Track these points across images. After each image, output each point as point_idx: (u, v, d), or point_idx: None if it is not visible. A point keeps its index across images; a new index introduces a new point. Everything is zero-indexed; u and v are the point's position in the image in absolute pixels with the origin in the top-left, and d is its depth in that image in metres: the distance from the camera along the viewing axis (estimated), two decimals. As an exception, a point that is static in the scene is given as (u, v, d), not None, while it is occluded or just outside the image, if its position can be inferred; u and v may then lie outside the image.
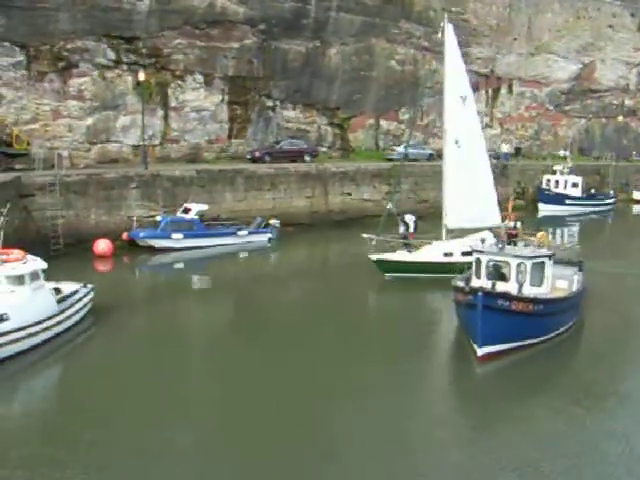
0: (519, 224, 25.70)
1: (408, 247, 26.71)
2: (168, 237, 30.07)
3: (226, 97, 39.76)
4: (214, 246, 31.03)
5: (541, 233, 26.50)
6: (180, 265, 29.15)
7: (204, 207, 31.72)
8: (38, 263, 18.00)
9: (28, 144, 32.20)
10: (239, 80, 39.81)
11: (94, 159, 35.25)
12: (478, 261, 18.79)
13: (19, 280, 17.05)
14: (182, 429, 12.94)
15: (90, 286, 20.17)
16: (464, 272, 19.69)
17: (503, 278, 18.14)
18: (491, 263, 18.50)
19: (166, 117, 37.81)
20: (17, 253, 17.81)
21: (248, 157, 39.46)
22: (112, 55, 35.37)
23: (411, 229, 28.55)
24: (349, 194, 39.35)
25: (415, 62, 47.46)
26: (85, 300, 19.63)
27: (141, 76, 34.27)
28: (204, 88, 38.84)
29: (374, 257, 25.10)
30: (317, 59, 42.61)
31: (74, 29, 33.77)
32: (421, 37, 47.17)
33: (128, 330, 19.49)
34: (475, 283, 18.25)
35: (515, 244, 25.35)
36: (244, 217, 33.72)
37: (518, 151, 52.74)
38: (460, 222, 26.03)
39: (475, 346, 16.74)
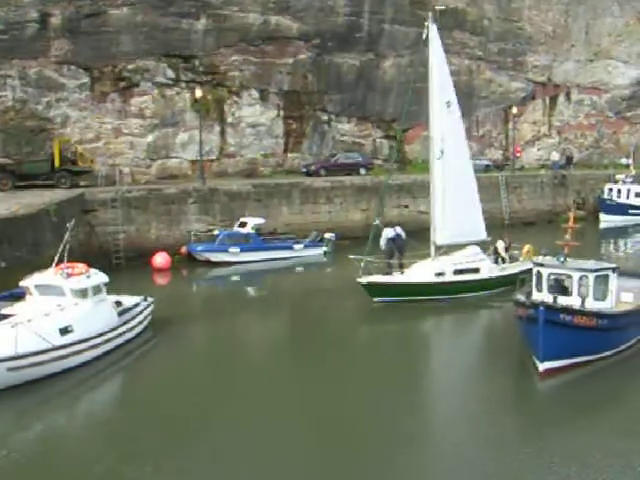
0: (506, 241, 26.30)
1: (397, 267, 24.36)
2: (225, 251, 30.49)
3: (281, 112, 40.23)
4: (270, 260, 31.27)
5: (527, 246, 26.27)
6: (236, 278, 29.50)
7: (260, 221, 32.07)
8: (101, 277, 18.51)
9: (92, 161, 33.34)
10: (294, 95, 40.25)
11: (154, 175, 36.17)
12: (539, 274, 18.27)
13: (83, 293, 17.56)
14: (234, 443, 12.98)
15: (150, 299, 20.58)
16: (518, 285, 19.13)
17: (565, 292, 17.63)
18: (552, 276, 17.97)
19: (223, 133, 38.51)
20: (81, 267, 18.34)
21: (304, 171, 39.76)
22: (171, 74, 36.33)
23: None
24: (406, 206, 39.13)
25: (469, 72, 47.05)
26: (145, 313, 20.02)
27: (198, 93, 35.04)
28: (260, 103, 39.41)
29: (364, 280, 22.56)
30: (371, 72, 42.72)
31: (135, 50, 34.89)
32: (475, 47, 46.79)
33: (186, 343, 19.72)
34: (536, 297, 17.77)
35: (503, 259, 25.31)
36: (300, 231, 33.91)
37: (569, 160, 51.24)
38: (449, 238, 24.23)
39: (536, 361, 16.35)
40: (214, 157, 38.16)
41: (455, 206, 23.96)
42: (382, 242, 24.97)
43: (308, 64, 40.09)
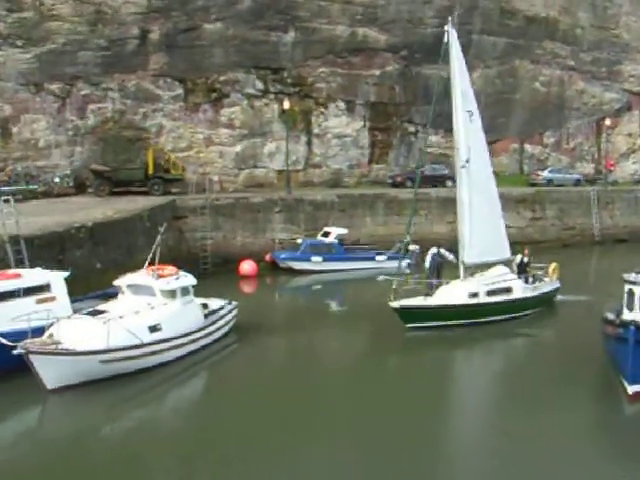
0: (532, 258, 24.49)
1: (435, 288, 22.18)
2: (308, 260, 30.83)
3: (368, 123, 40.46)
4: (352, 270, 31.33)
5: (554, 264, 24.78)
6: (318, 287, 29.69)
7: (344, 231, 32.25)
8: (189, 279, 19.15)
9: (183, 170, 34.63)
10: (380, 106, 40.41)
11: (242, 183, 37.12)
12: (631, 292, 17.28)
13: (172, 294, 18.22)
14: (311, 454, 13.13)
15: (234, 303, 21.07)
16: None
17: (658, 312, 16.73)
18: (645, 295, 17.08)
19: (309, 143, 39.09)
20: (171, 269, 19.09)
21: (389, 182, 39.76)
22: (260, 85, 37.28)
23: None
24: (491, 220, 38.37)
25: (561, 83, 45.87)
26: (229, 316, 20.52)
27: (286, 104, 35.77)
28: (346, 115, 39.79)
29: (396, 304, 20.53)
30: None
31: (226, 63, 36.09)
32: (567, 56, 45.61)
33: (267, 349, 20.02)
34: (627, 316, 16.91)
35: (526, 278, 23.53)
36: (384, 242, 33.81)
37: None
38: (477, 256, 22.38)
39: (625, 383, 15.56)
40: (300, 167, 38.77)
41: (481, 222, 22.38)
42: (427, 260, 23.61)
43: (395, 75, 40.18)
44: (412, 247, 32.92)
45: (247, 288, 28.72)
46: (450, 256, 23.47)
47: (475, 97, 43.05)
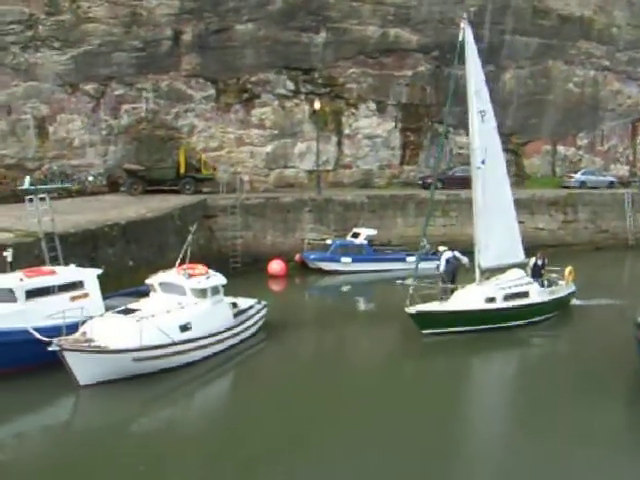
0: (546, 261, 23.70)
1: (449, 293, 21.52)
2: (337, 260, 30.88)
3: (399, 124, 40.36)
4: (382, 271, 31.25)
5: (569, 268, 24.07)
6: (347, 288, 29.70)
7: (373, 232, 32.23)
8: (219, 278, 19.35)
9: (214, 169, 34.99)
10: (412, 107, 40.28)
11: (272, 183, 37.32)
12: None
13: (202, 293, 18.43)
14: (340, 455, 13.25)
15: (264, 302, 21.23)
16: None
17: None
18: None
19: (340, 144, 39.13)
20: (201, 268, 19.31)
21: (419, 183, 39.63)
22: (291, 86, 37.44)
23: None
24: (522, 222, 37.93)
25: (595, 83, 45.21)
26: (258, 316, 20.67)
27: (317, 105, 35.87)
28: (377, 115, 39.74)
29: (412, 310, 19.92)
30: (491, 84, 41.91)
31: (258, 63, 36.32)
32: (602, 56, 44.94)
33: (295, 349, 20.12)
34: None
35: (542, 282, 22.77)
36: (414, 243, 33.59)
37: None
38: (494, 259, 21.75)
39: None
40: (330, 168, 38.84)
41: (497, 225, 21.74)
42: (442, 264, 22.65)
43: (427, 76, 40.02)
44: (442, 248, 32.80)
45: (276, 287, 28.89)
46: (465, 259, 22.96)
47: (507, 98, 43.15)
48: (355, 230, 32.37)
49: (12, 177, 31.91)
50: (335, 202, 33.69)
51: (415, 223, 35.06)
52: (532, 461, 12.66)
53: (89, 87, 33.96)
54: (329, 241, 31.70)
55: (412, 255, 31.93)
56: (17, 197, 27.52)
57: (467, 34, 22.13)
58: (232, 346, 18.85)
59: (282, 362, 18.86)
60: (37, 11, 32.50)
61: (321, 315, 25.29)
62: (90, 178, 33.80)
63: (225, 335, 18.56)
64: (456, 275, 22.69)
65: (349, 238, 32.05)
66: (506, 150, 43.59)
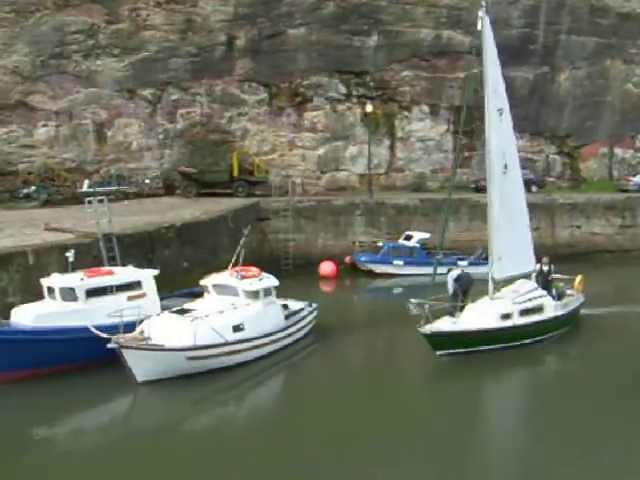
0: (552, 268, 21.89)
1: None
2: (389, 263, 30.84)
3: (451, 127, 40.08)
4: (433, 274, 30.89)
5: (580, 276, 22.47)
6: (399, 291, 29.61)
7: (426, 235, 32.03)
8: (271, 280, 19.57)
9: (267, 172, 35.43)
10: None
11: (323, 186, 37.57)
12: None
13: (255, 295, 18.71)
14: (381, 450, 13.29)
15: (314, 305, 21.37)
16: None
17: None
18: None
19: (392, 147, 39.10)
20: (254, 270, 19.60)
21: (472, 186, 39.24)
22: (343, 89, 37.64)
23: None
24: (578, 227, 37.33)
25: (656, 84, 44.01)
26: (309, 318, 20.82)
27: (369, 108, 35.94)
28: (430, 118, 39.57)
29: (427, 330, 18.26)
30: (546, 85, 41.36)
31: (310, 67, 36.66)
32: (664, 55, 43.72)
33: (345, 352, 20.20)
34: None
35: (549, 289, 20.98)
36: (467, 248, 33.32)
37: None
38: (508, 270, 20.18)
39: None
40: (382, 171, 38.86)
41: (512, 233, 20.22)
42: (449, 285, 20.55)
43: (480, 78, 39.55)
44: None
45: (327, 289, 29.06)
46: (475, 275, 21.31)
47: (562, 100, 42.36)
48: (408, 233, 32.26)
49: (72, 180, 33.04)
50: (387, 205, 33.66)
51: (468, 227, 34.73)
52: None
53: (146, 92, 34.86)
54: (380, 243, 31.71)
55: (464, 259, 31.72)
56: (77, 199, 28.51)
57: (485, 24, 20.23)
58: (284, 347, 19.06)
59: (331, 364, 18.96)
60: (98, 20, 33.58)
61: (370, 318, 25.30)
62: (147, 181, 34.69)
63: (277, 336, 18.78)
64: (468, 292, 20.55)
65: (401, 241, 31.96)
66: (561, 153, 43.19)
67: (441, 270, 30.67)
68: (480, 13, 20.22)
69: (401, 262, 30.88)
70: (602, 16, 41.48)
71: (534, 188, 39.15)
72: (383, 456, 12.87)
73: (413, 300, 19.65)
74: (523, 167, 40.37)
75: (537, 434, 14.09)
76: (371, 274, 30.71)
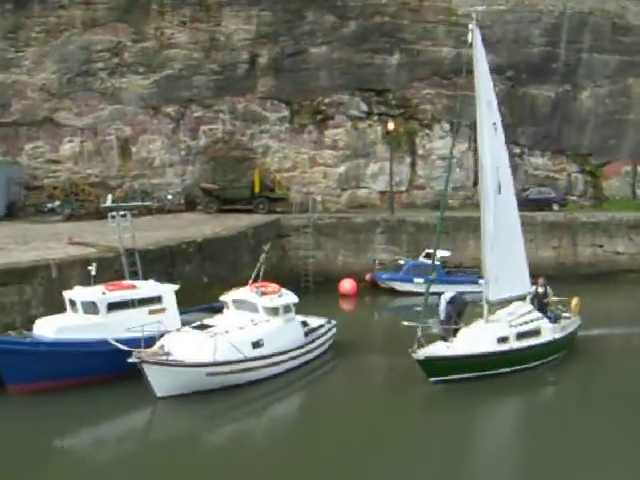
0: (549, 289, 21.03)
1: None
2: (410, 281, 30.67)
3: (472, 144, 39.98)
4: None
5: (576, 299, 21.49)
6: (420, 309, 29.33)
7: (446, 253, 31.88)
8: (291, 297, 19.62)
9: (288, 189, 35.63)
10: (485, 127, 39.86)
11: (344, 204, 37.64)
12: None
13: (274, 311, 18.74)
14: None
15: (333, 322, 21.34)
16: None
17: None
18: None
19: (413, 164, 39.12)
20: (274, 287, 19.65)
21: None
22: (364, 107, 37.83)
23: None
24: (600, 246, 36.91)
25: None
26: (328, 335, 20.80)
27: (390, 126, 36.05)
28: (450, 136, 39.52)
29: (420, 356, 17.42)
30: (567, 103, 41.18)
31: (331, 85, 36.97)
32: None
33: (363, 370, 20.03)
34: None
35: (545, 312, 20.28)
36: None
37: None
38: (504, 292, 19.48)
39: None
40: (403, 188, 38.86)
41: (508, 253, 19.60)
42: (441, 309, 19.58)
43: (501, 96, 39.36)
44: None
45: (347, 307, 29.00)
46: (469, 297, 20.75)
47: (584, 118, 42.10)
48: (428, 251, 32.10)
49: (96, 195, 33.47)
50: (408, 223, 33.59)
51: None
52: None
53: (170, 109, 35.34)
54: (402, 261, 31.61)
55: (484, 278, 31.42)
56: (100, 214, 28.83)
57: (475, 37, 19.67)
58: (302, 364, 19.04)
59: (348, 382, 18.87)
60: (124, 39, 34.22)
61: (390, 336, 24.87)
62: (169, 196, 35.05)
63: (296, 353, 18.77)
64: (462, 315, 19.80)
65: (422, 259, 31.85)
66: (582, 171, 42.89)
67: (463, 288, 30.54)
68: (470, 26, 19.69)
69: (422, 280, 30.70)
70: (624, 34, 41.29)
71: (555, 207, 38.94)
72: (400, 476, 12.81)
73: (406, 322, 19.02)
74: (543, 185, 40.52)
75: (533, 464, 13.67)
76: (392, 292, 30.60)
